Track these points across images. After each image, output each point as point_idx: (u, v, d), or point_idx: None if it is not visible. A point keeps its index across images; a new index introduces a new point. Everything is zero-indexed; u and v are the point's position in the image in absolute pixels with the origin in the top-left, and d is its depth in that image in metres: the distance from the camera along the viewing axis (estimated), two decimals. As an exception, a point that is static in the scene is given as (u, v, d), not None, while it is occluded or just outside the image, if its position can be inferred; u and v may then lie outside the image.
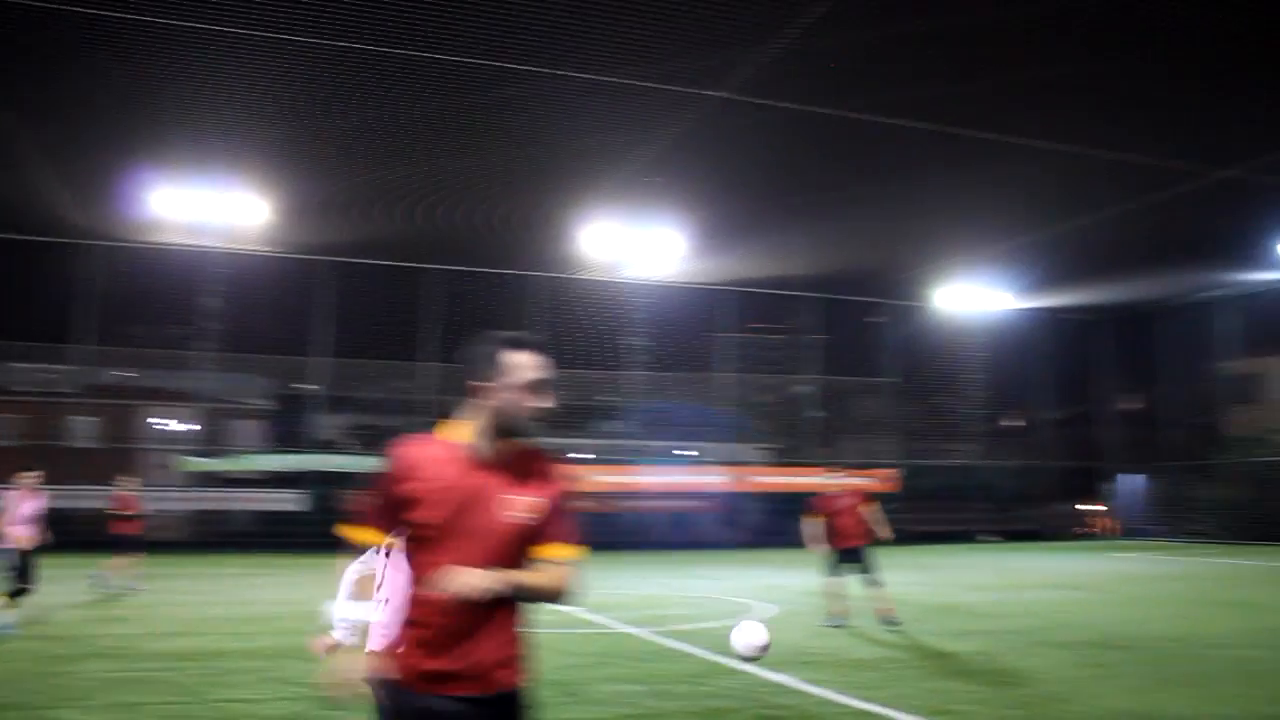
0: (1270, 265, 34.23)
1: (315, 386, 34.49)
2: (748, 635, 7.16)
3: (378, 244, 30.01)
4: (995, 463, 41.63)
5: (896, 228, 29.07)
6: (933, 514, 38.85)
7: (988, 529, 38.56)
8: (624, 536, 36.15)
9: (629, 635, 12.61)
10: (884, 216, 27.70)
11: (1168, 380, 41.49)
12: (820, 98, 19.61)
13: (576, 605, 15.69)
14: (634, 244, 29.55)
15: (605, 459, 38.52)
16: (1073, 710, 7.94)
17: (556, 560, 3.25)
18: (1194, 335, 40.41)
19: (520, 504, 3.23)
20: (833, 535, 13.32)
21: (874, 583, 13.09)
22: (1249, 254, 32.80)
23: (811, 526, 13.61)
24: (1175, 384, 41.88)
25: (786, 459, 41.62)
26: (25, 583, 12.32)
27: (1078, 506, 44.97)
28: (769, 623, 13.57)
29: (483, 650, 3.17)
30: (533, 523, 3.23)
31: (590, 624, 13.71)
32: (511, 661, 3.26)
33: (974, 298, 37.96)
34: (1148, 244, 30.35)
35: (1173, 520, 40.19)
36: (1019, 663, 10.22)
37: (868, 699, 8.42)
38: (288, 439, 34.65)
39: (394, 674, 3.20)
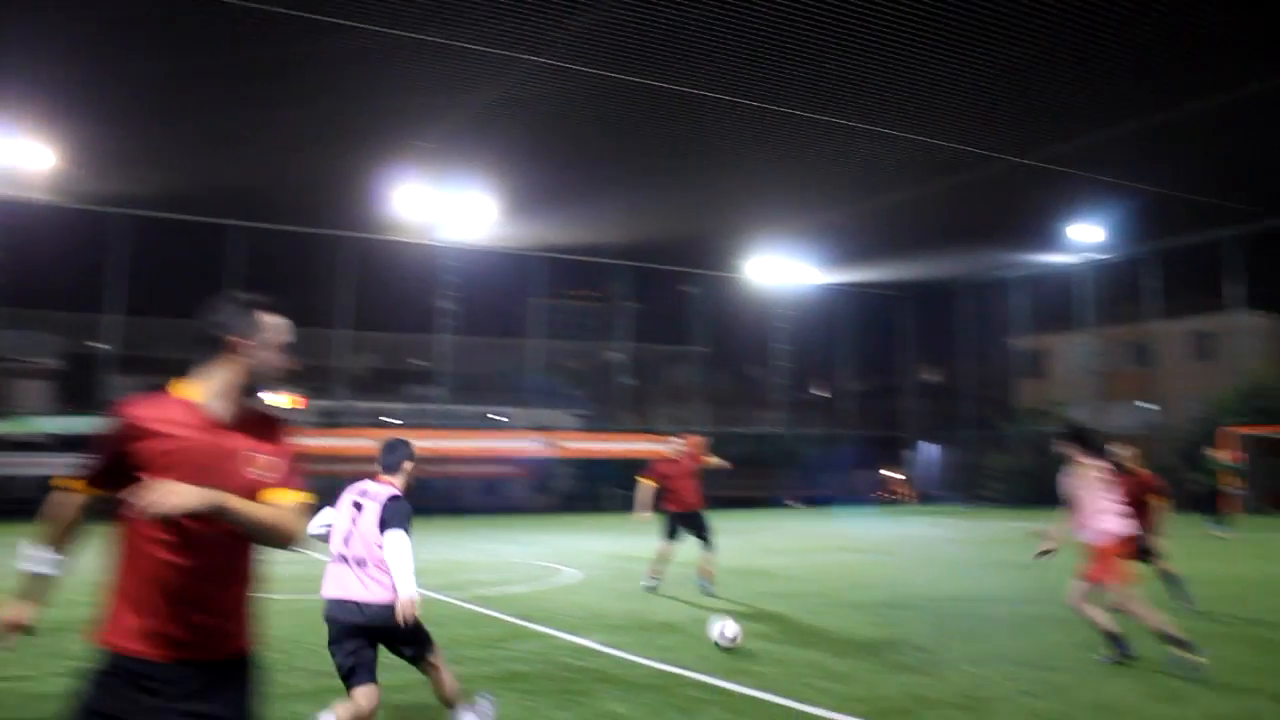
0: (1059, 248, 36.16)
1: (107, 346, 32.77)
2: (722, 628, 9.06)
3: (177, 198, 28.68)
4: (801, 431, 42.75)
5: (707, 199, 29.47)
6: (740, 480, 39.66)
7: (793, 495, 39.60)
8: (436, 502, 35.74)
9: (432, 601, 12.41)
10: (695, 188, 28.03)
11: (965, 355, 43.40)
12: (635, 67, 19.66)
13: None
14: (447, 207, 29.12)
15: (417, 424, 37.89)
16: (862, 667, 8.18)
17: (280, 503, 3.16)
18: (990, 312, 42.44)
19: (259, 462, 3.17)
20: (669, 500, 13.19)
21: (708, 546, 13.08)
22: (1040, 237, 34.58)
23: (644, 491, 13.40)
24: (972, 358, 43.87)
25: (598, 425, 41.81)
26: None
27: (880, 473, 46.76)
28: (574, 588, 13.66)
29: (203, 613, 3.08)
30: (269, 480, 3.16)
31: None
32: (236, 626, 3.18)
33: (782, 270, 38.80)
34: (947, 224, 31.62)
35: (966, 486, 42.21)
36: (815, 623, 10.50)
37: (667, 660, 8.48)
38: (78, 400, 32.84)
39: (107, 637, 3.07)
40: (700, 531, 13.13)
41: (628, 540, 23.06)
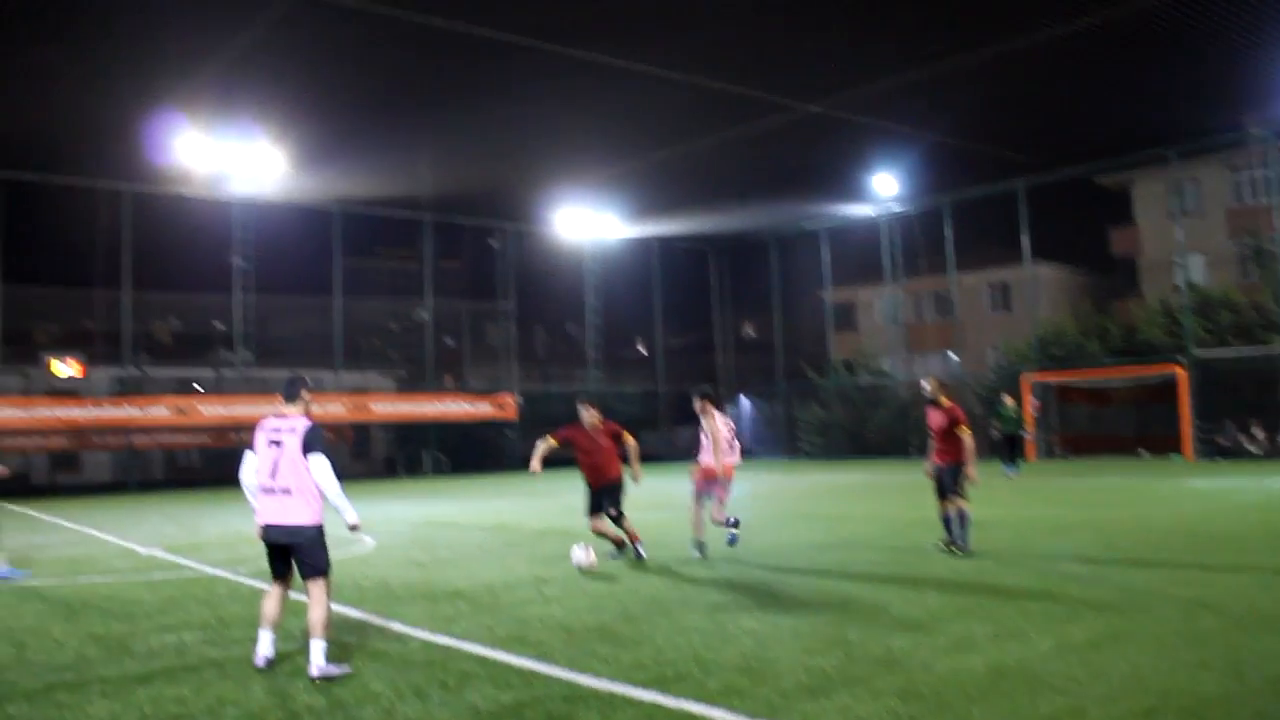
0: (862, 199, 36.85)
1: None
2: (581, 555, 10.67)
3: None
4: (618, 389, 42.59)
5: (508, 149, 28.80)
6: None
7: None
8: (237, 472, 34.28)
9: (211, 578, 11.63)
10: (494, 136, 27.36)
11: (778, 308, 43.91)
12: (420, 4, 18.84)
13: (157, 549, 14.50)
14: (232, 157, 27.61)
15: (216, 390, 36.27)
16: (642, 629, 7.87)
17: None
18: (800, 266, 42.99)
19: None
20: (585, 471, 12.10)
21: (616, 517, 12.11)
22: (843, 188, 35.14)
23: (544, 446, 12.01)
24: (784, 312, 44.45)
25: (411, 387, 40.91)
26: None
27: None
28: (365, 558, 13.03)
29: None
30: None
31: (170, 567, 12.60)
32: None
33: (590, 223, 38.25)
34: (749, 175, 31.81)
35: (783, 440, 42.86)
36: (609, 586, 10.17)
37: (446, 632, 8.01)
38: None
39: None
40: (614, 501, 12.06)
41: (439, 505, 22.50)
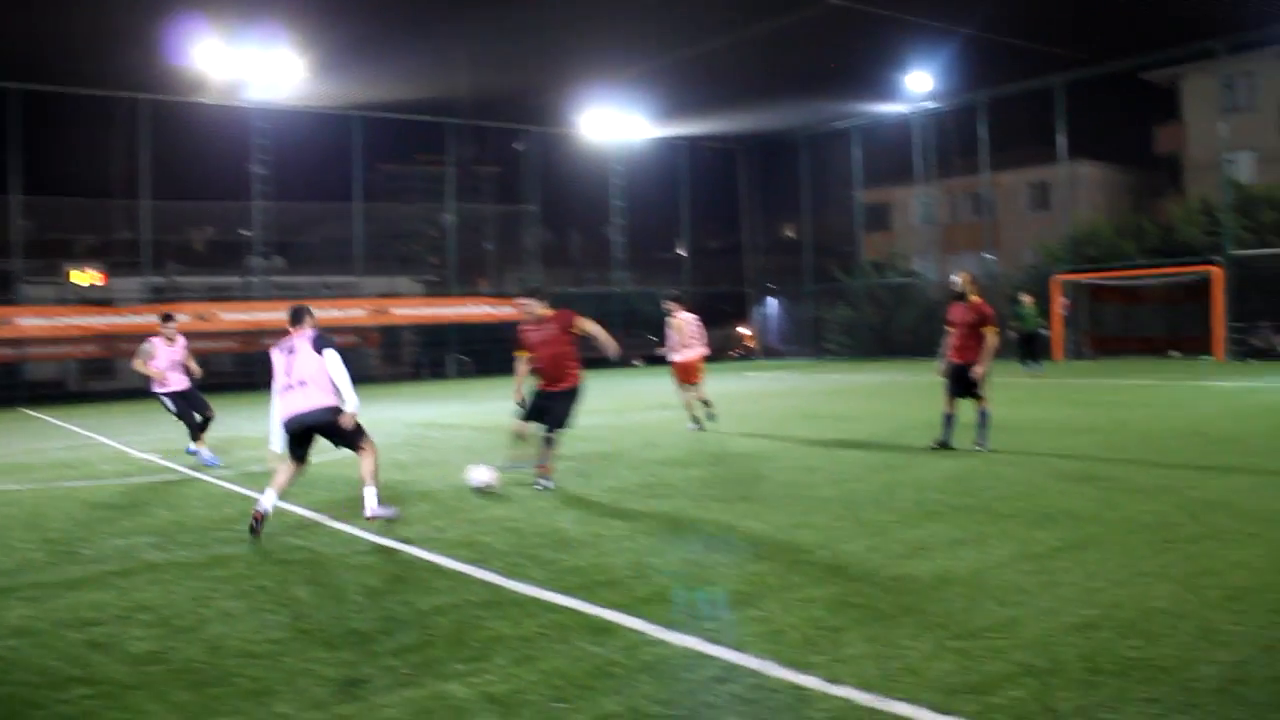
0: (895, 97, 35.74)
1: None
2: (477, 474, 9.63)
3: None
4: (645, 289, 42.07)
5: (528, 48, 28.27)
6: (581, 341, 39.15)
7: (638, 355, 38.95)
8: (266, 376, 34.32)
9: (191, 481, 11.53)
10: (514, 35, 26.75)
11: (809, 208, 43.08)
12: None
13: (153, 453, 14.44)
14: (252, 64, 27.11)
15: (247, 295, 36.25)
16: (595, 534, 7.60)
17: None
18: (832, 165, 42.03)
19: None
20: (537, 374, 10.25)
21: (549, 432, 10.10)
22: (875, 85, 34.14)
23: (521, 366, 10.52)
24: (815, 212, 43.61)
25: (440, 290, 40.71)
26: (200, 414, 13.15)
27: (735, 330, 46.67)
28: (349, 460, 12.84)
29: None
30: None
31: (157, 471, 12.52)
32: None
33: (617, 124, 37.43)
34: (779, 73, 31.02)
35: (810, 340, 42.37)
36: (579, 486, 9.92)
37: (397, 536, 7.80)
38: None
39: None
40: (554, 420, 10.02)
41: (447, 407, 22.33)
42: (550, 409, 9.99)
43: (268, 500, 8.02)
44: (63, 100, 30.15)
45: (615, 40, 27.27)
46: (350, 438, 8.15)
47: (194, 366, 13.38)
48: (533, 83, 31.86)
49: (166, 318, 13.51)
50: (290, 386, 7.98)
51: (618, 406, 20.11)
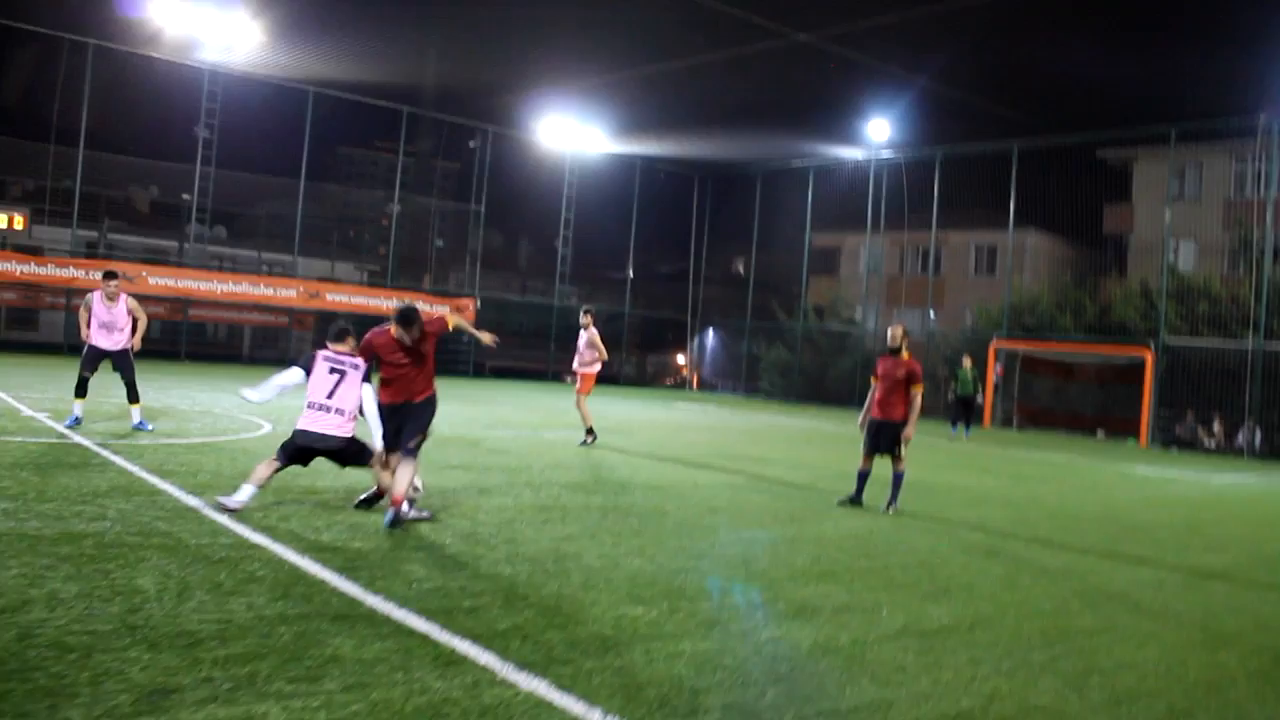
0: (855, 142, 35.80)
1: None
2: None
3: None
4: (583, 306, 41.72)
5: (493, 45, 27.64)
6: (515, 351, 38.73)
7: (571, 371, 38.55)
8: (213, 349, 33.54)
9: (69, 446, 10.97)
10: (479, 30, 26.16)
11: (760, 244, 43.02)
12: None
13: (43, 413, 13.81)
14: (208, 23, 26.38)
15: (180, 262, 35.44)
16: (472, 554, 7.23)
17: None
18: (787, 203, 42.00)
19: None
20: (383, 386, 8.74)
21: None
22: (839, 128, 34.08)
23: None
24: (767, 248, 43.57)
25: (376, 281, 40.14)
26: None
27: (666, 357, 46.47)
28: (246, 443, 12.38)
29: None
30: None
31: (43, 432, 11.91)
32: None
33: (573, 135, 37.00)
34: (741, 102, 30.75)
35: (744, 377, 42.23)
36: (476, 503, 9.54)
37: (268, 532, 7.36)
38: None
39: None
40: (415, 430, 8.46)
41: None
42: (408, 426, 8.39)
43: (240, 494, 8.02)
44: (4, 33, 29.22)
45: (579, 45, 26.88)
46: (360, 459, 8.50)
47: (136, 340, 13.10)
48: (494, 80, 31.35)
49: (109, 275, 13.01)
50: (327, 408, 8.23)
51: (538, 422, 19.73)
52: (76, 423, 12.56)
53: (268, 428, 14.24)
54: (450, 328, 9.00)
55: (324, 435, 8.23)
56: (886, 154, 37.34)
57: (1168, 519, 12.90)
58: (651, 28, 24.74)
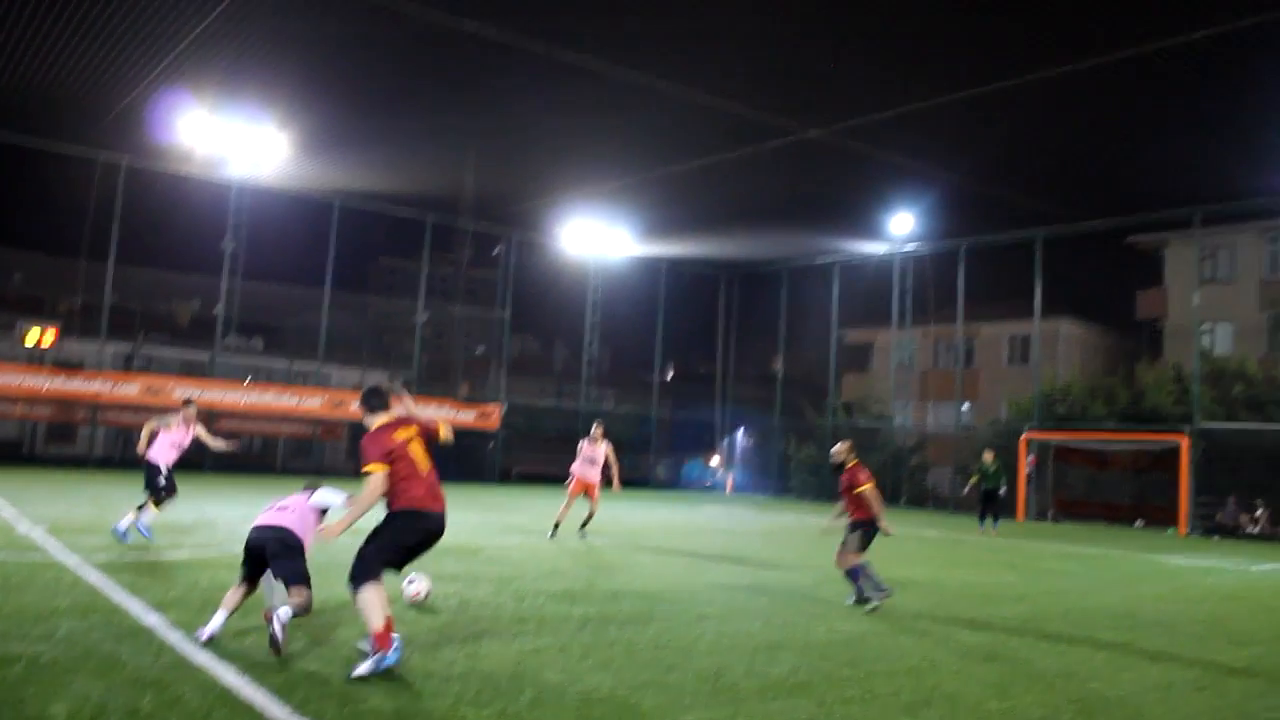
0: (879, 236, 35.64)
1: None
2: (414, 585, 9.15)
3: None
4: (615, 409, 41.53)
5: (514, 153, 28.01)
6: (543, 456, 38.41)
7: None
8: (235, 459, 33.80)
9: (49, 564, 10.76)
10: (500, 139, 26.51)
11: (788, 342, 42.78)
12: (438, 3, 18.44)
13: (39, 528, 13.65)
14: (235, 139, 26.87)
15: (210, 374, 35.66)
16: (409, 664, 6.89)
17: None
18: (815, 300, 41.78)
19: None
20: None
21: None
22: (863, 224, 33.96)
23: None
24: (802, 347, 43.31)
25: (419, 391, 40.12)
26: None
27: (700, 459, 45.97)
28: (235, 561, 11.98)
29: None
30: None
31: (27, 549, 11.75)
32: None
33: (598, 239, 37.13)
34: (765, 202, 30.81)
35: (776, 475, 41.63)
36: (452, 614, 9.21)
37: (208, 649, 7.07)
38: None
39: None
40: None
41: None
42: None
43: (213, 623, 7.45)
44: (36, 154, 29.89)
45: (595, 151, 27.15)
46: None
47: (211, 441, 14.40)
48: (516, 187, 31.71)
49: (187, 402, 14.06)
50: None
51: (544, 528, 19.37)
52: (147, 534, 13.22)
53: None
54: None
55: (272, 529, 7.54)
56: (910, 247, 37.09)
57: (1193, 613, 12.26)
58: (667, 131, 24.97)
